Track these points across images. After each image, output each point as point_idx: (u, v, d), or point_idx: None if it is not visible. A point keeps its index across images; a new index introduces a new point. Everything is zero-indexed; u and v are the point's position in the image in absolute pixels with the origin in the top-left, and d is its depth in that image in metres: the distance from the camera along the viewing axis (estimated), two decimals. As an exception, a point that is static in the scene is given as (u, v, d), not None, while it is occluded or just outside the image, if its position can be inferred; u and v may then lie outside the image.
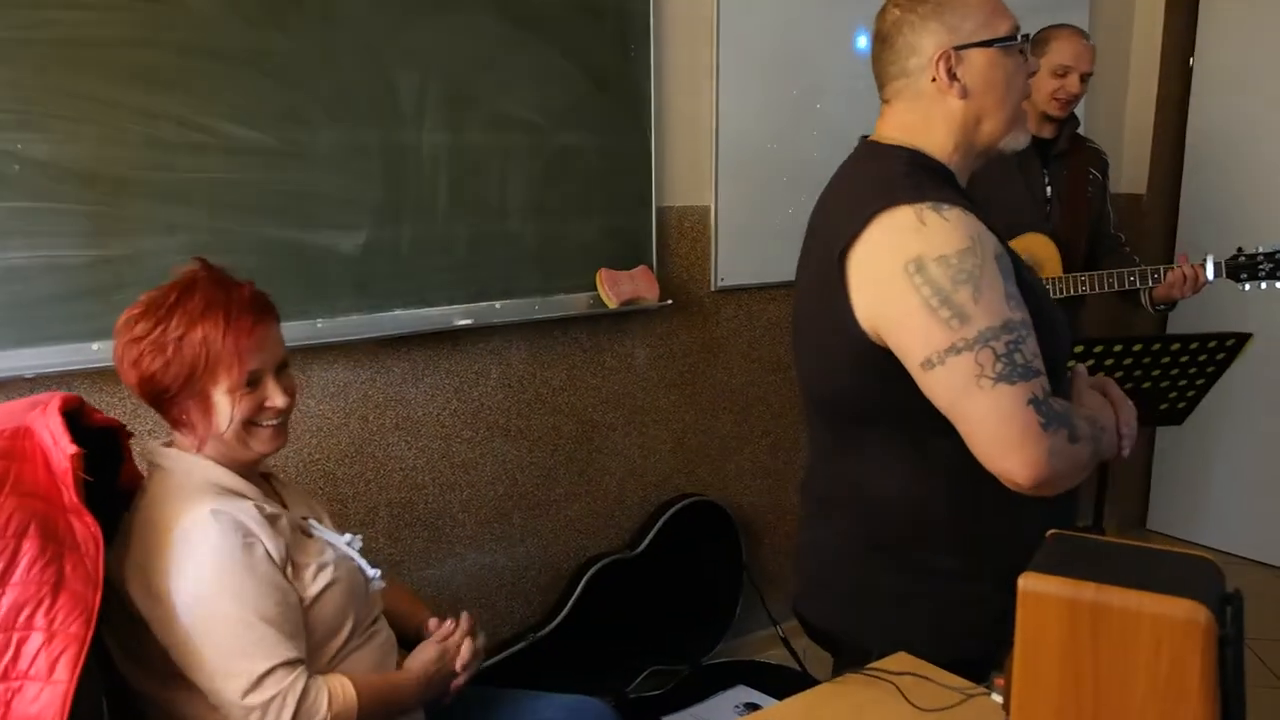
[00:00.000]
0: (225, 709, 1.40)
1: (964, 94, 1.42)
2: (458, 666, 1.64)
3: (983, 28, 1.41)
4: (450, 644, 1.66)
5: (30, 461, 1.33)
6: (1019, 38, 1.44)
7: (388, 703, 1.52)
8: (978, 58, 1.41)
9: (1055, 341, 1.42)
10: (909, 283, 1.31)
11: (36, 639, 1.23)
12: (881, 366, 1.38)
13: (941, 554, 1.48)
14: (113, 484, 1.55)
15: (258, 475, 1.58)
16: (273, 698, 1.38)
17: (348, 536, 1.61)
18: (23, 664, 1.22)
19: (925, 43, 1.42)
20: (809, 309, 1.51)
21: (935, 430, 1.35)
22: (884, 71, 1.48)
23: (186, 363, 1.42)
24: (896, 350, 1.36)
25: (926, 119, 1.45)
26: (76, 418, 1.46)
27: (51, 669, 1.22)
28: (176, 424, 1.49)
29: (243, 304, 1.46)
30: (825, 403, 1.55)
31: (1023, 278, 1.40)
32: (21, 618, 1.23)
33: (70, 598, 1.26)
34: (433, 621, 1.72)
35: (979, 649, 1.46)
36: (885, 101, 1.50)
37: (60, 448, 1.34)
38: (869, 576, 1.54)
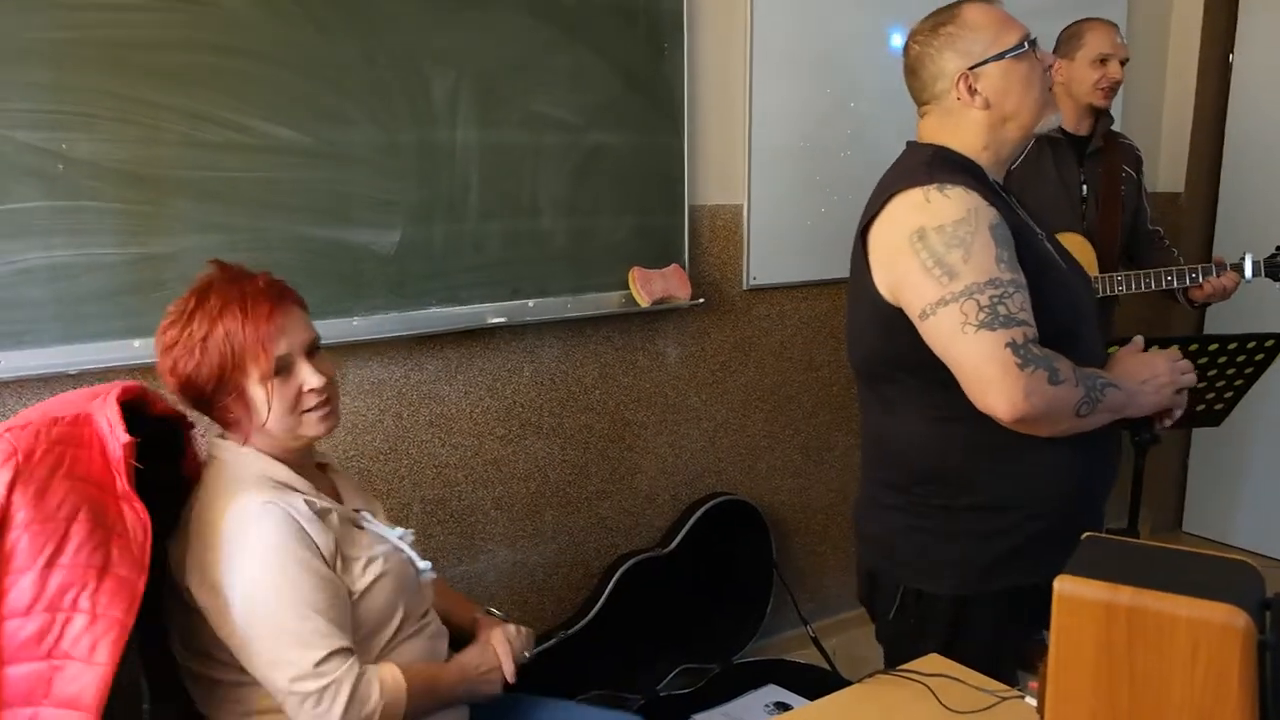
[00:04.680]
0: (280, 697, 1.43)
1: (986, 105, 1.64)
2: (505, 669, 1.65)
3: (992, 45, 1.63)
4: (492, 644, 1.67)
5: (87, 448, 1.37)
6: (1026, 43, 1.63)
7: (433, 693, 1.54)
8: (993, 71, 1.63)
9: (1067, 307, 1.61)
10: (911, 249, 1.54)
11: (80, 620, 1.26)
12: (899, 324, 1.59)
13: (956, 495, 1.64)
14: (173, 473, 1.58)
15: (312, 467, 1.61)
16: (327, 685, 1.40)
17: (399, 530, 1.62)
18: (65, 644, 1.25)
19: (946, 69, 1.64)
20: (851, 285, 1.73)
21: (949, 382, 1.54)
22: (917, 96, 1.72)
23: (215, 361, 1.44)
24: (904, 307, 1.58)
25: (958, 127, 1.67)
26: (139, 407, 1.49)
27: (93, 650, 1.25)
28: (224, 424, 1.52)
29: (257, 293, 1.47)
30: (861, 363, 1.76)
31: (1034, 249, 1.61)
32: (67, 599, 1.26)
33: (115, 582, 1.29)
34: (482, 620, 1.75)
35: (995, 584, 1.63)
36: (921, 116, 1.73)
37: (115, 435, 1.38)
38: (893, 517, 1.72)
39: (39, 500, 1.28)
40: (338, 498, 1.62)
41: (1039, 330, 1.51)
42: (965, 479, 1.63)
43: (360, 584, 1.49)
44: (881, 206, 1.62)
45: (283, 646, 1.41)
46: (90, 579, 1.28)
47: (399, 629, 1.55)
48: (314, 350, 1.53)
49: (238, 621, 1.42)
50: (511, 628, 1.70)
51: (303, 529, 1.45)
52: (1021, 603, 1.63)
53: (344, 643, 1.43)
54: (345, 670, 1.42)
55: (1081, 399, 1.52)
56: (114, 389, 1.45)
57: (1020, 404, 1.46)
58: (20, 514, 1.27)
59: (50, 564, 1.27)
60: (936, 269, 1.51)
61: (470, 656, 1.63)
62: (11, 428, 1.34)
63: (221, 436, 1.54)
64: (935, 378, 1.56)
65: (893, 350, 1.63)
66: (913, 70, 1.69)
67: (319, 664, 1.40)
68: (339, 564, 1.48)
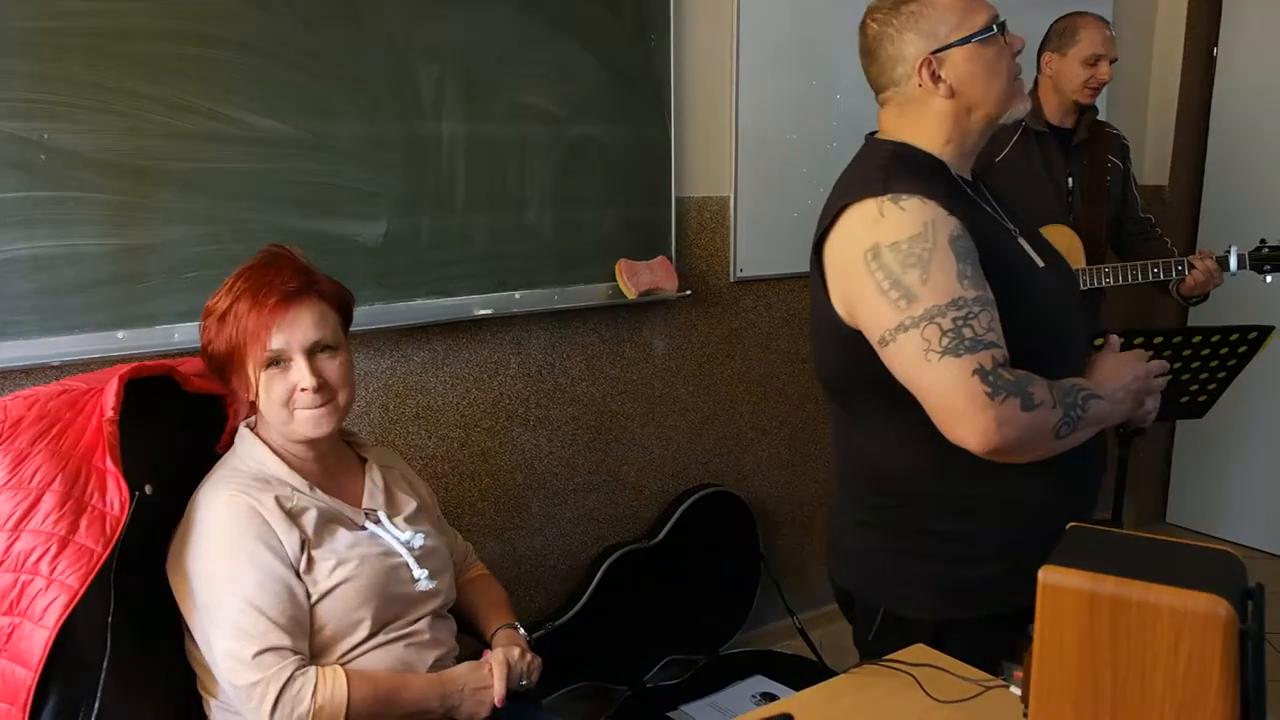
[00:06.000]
0: (221, 684, 1.47)
1: (950, 93, 1.50)
2: (495, 691, 1.58)
3: (958, 27, 1.48)
4: (489, 664, 1.61)
5: (86, 419, 1.45)
6: (995, 26, 1.50)
7: (393, 702, 1.49)
8: (958, 56, 1.49)
9: (1043, 314, 1.51)
10: (866, 269, 1.42)
11: (39, 583, 1.35)
12: (860, 346, 1.48)
13: (937, 517, 1.56)
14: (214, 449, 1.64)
15: (318, 462, 1.59)
16: (256, 682, 1.41)
17: (408, 534, 1.60)
18: (25, 603, 1.35)
19: (906, 52, 1.50)
20: (811, 300, 1.62)
21: (919, 403, 1.43)
22: (874, 82, 1.58)
23: (226, 337, 1.50)
24: (863, 330, 1.47)
25: (918, 118, 1.53)
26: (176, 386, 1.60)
27: (43, 614, 1.34)
28: (238, 402, 1.57)
29: (275, 284, 1.50)
30: (825, 381, 1.67)
31: (1006, 253, 1.50)
32: (29, 562, 1.35)
33: (75, 551, 1.36)
34: (498, 634, 1.71)
35: (977, 610, 1.56)
36: (881, 105, 1.59)
37: (103, 411, 1.45)
38: (872, 539, 1.64)
39: (16, 466, 1.38)
40: (349, 495, 1.62)
41: (1014, 342, 1.40)
42: (941, 501, 1.54)
43: (322, 586, 1.49)
44: (834, 220, 1.49)
45: (224, 638, 1.43)
46: (52, 545, 1.36)
47: (370, 635, 1.52)
48: (320, 350, 1.53)
49: (191, 607, 1.47)
50: (516, 651, 1.64)
51: (265, 525, 1.47)
52: (1004, 628, 1.55)
53: (283, 642, 1.43)
54: (275, 671, 1.41)
55: (1060, 421, 1.41)
56: (133, 366, 1.53)
57: (993, 435, 1.34)
58: None
59: (18, 527, 1.36)
60: (893, 291, 1.39)
61: (460, 672, 1.58)
62: (17, 396, 1.45)
63: (251, 423, 1.58)
64: (906, 397, 1.44)
65: (857, 371, 1.52)
66: (869, 52, 1.55)
67: (251, 660, 1.41)
68: (303, 563, 1.48)
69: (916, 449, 1.51)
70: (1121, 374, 1.53)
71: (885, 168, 1.48)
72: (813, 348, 1.67)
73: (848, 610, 1.74)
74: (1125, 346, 2.53)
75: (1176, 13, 3.90)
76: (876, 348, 1.44)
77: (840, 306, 1.50)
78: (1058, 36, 2.85)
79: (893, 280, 1.40)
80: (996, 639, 1.56)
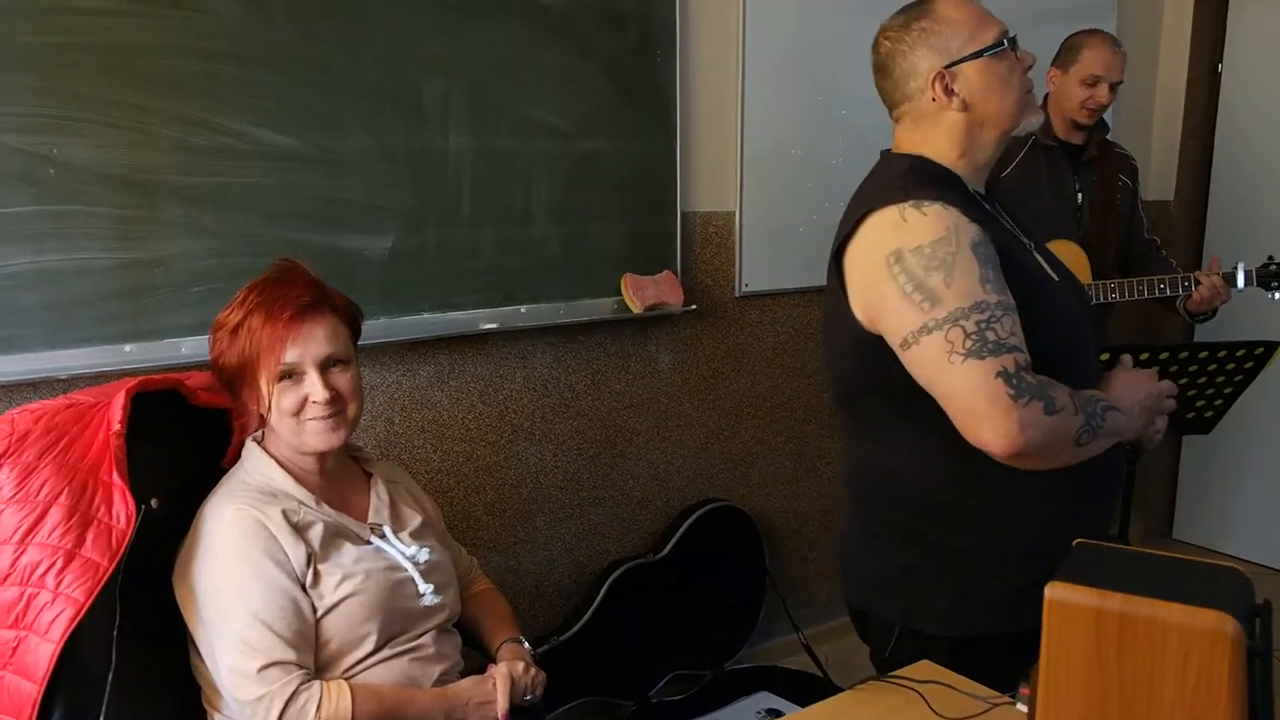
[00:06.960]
0: (225, 698, 1.47)
1: (964, 106, 1.53)
2: (498, 705, 1.57)
3: (969, 42, 1.52)
4: (492, 678, 1.61)
5: (93, 433, 1.45)
6: (1006, 41, 1.53)
7: (395, 717, 1.49)
8: (970, 70, 1.52)
9: (1060, 325, 1.51)
10: (889, 273, 1.43)
11: (44, 597, 1.35)
12: (879, 353, 1.48)
13: (953, 532, 1.54)
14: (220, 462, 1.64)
15: (323, 476, 1.60)
16: (260, 696, 1.41)
17: (413, 549, 1.61)
18: (30, 617, 1.35)
19: (919, 67, 1.53)
20: (826, 306, 1.63)
21: (938, 411, 1.42)
22: (888, 98, 1.61)
23: (238, 350, 1.51)
24: (884, 335, 1.47)
25: (932, 133, 1.56)
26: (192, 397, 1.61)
27: (48, 627, 1.34)
28: (247, 415, 1.57)
29: (288, 299, 1.51)
30: (841, 390, 1.65)
31: (1023, 264, 1.51)
32: (35, 575, 1.35)
33: (81, 565, 1.36)
34: (502, 648, 1.71)
35: (995, 627, 1.53)
36: (895, 121, 1.62)
37: (110, 425, 1.45)
38: (887, 555, 1.61)
39: (23, 480, 1.38)
40: (355, 509, 1.62)
41: (1031, 355, 1.40)
42: (956, 513, 1.53)
43: (328, 600, 1.49)
44: (855, 227, 1.50)
45: (229, 652, 1.43)
46: (59, 559, 1.36)
47: (375, 649, 1.52)
48: (333, 364, 1.54)
49: (196, 620, 1.47)
50: (520, 666, 1.64)
51: (272, 539, 1.47)
52: (1024, 646, 1.43)
53: (288, 656, 1.43)
54: (280, 686, 1.41)
55: (1081, 427, 1.41)
56: (140, 379, 1.53)
57: (1016, 438, 1.34)
58: (4, 490, 1.37)
59: (24, 541, 1.36)
60: (916, 294, 1.40)
61: (464, 686, 1.58)
62: (24, 409, 1.45)
63: (259, 437, 1.58)
64: (924, 405, 1.44)
65: (875, 379, 1.52)
66: (883, 69, 1.58)
67: (255, 674, 1.41)
68: (309, 577, 1.48)
69: (930, 460, 1.52)
70: (1135, 390, 1.54)
71: (905, 176, 1.50)
72: (827, 357, 1.67)
73: (863, 629, 1.72)
74: (1133, 363, 2.52)
75: (1181, 29, 3.90)
76: (898, 351, 1.44)
77: (860, 312, 1.51)
78: (1064, 53, 2.85)
79: (916, 283, 1.41)
80: (1018, 657, 1.45)
